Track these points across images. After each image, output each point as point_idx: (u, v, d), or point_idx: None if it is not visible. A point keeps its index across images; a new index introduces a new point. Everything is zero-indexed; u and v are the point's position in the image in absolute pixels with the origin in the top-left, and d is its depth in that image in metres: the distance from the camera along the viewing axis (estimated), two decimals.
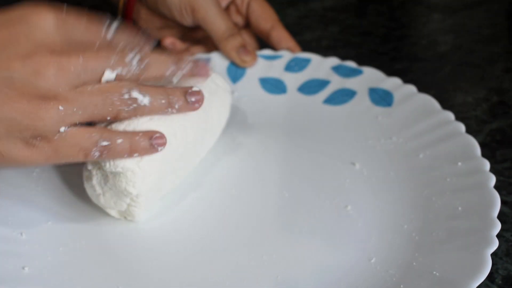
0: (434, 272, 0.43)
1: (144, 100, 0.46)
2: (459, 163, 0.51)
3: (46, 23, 0.44)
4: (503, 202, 0.47)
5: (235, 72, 0.63)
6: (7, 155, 0.43)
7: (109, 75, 0.45)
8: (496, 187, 0.48)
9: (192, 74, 0.50)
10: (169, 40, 0.68)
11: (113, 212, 0.49)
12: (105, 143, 0.45)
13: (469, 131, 0.53)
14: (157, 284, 0.45)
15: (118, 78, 0.46)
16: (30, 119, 0.42)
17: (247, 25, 0.68)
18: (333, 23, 0.76)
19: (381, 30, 0.74)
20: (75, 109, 0.44)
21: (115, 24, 0.47)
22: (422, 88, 0.58)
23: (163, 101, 0.47)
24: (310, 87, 0.61)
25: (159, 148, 0.47)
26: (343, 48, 0.71)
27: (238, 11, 0.68)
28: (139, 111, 0.46)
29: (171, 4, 0.63)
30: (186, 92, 0.49)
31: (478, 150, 0.51)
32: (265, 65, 0.64)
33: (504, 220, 0.45)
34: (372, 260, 0.45)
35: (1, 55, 0.43)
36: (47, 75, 0.43)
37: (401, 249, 0.46)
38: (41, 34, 0.44)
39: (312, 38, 0.73)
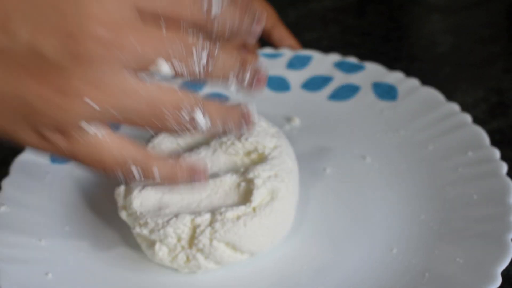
0: (458, 259, 0.43)
1: (203, 124, 0.37)
2: (469, 153, 0.51)
3: None
4: None
5: None
6: (13, 137, 0.36)
7: (162, 66, 0.35)
8: None
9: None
10: None
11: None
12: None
13: None
14: None
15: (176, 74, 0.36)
16: (48, 107, 0.34)
17: None
18: (333, 23, 0.76)
19: (381, 30, 0.74)
20: (109, 109, 0.35)
21: None
22: None
23: (219, 127, 0.38)
24: (314, 84, 0.62)
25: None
26: (343, 48, 0.70)
27: None
28: (192, 132, 0.37)
29: None
30: (243, 116, 0.39)
31: (486, 139, 0.51)
32: (267, 63, 0.63)
33: None
34: (394, 251, 0.45)
35: (39, 19, 0.32)
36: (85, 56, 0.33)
37: (421, 238, 0.46)
38: (95, 6, 0.33)
39: (312, 38, 0.73)
